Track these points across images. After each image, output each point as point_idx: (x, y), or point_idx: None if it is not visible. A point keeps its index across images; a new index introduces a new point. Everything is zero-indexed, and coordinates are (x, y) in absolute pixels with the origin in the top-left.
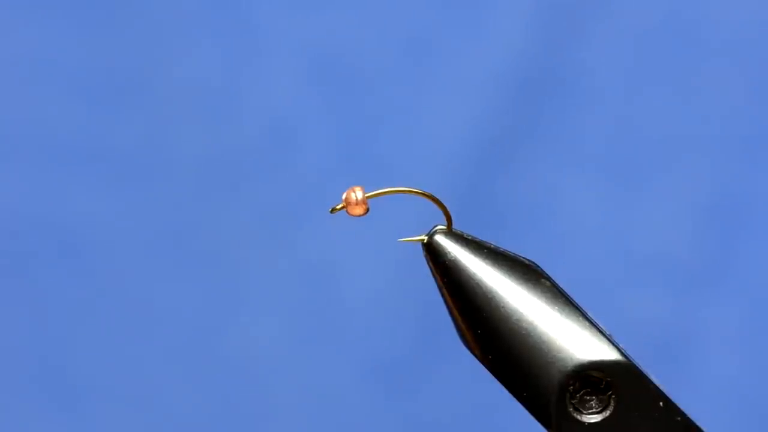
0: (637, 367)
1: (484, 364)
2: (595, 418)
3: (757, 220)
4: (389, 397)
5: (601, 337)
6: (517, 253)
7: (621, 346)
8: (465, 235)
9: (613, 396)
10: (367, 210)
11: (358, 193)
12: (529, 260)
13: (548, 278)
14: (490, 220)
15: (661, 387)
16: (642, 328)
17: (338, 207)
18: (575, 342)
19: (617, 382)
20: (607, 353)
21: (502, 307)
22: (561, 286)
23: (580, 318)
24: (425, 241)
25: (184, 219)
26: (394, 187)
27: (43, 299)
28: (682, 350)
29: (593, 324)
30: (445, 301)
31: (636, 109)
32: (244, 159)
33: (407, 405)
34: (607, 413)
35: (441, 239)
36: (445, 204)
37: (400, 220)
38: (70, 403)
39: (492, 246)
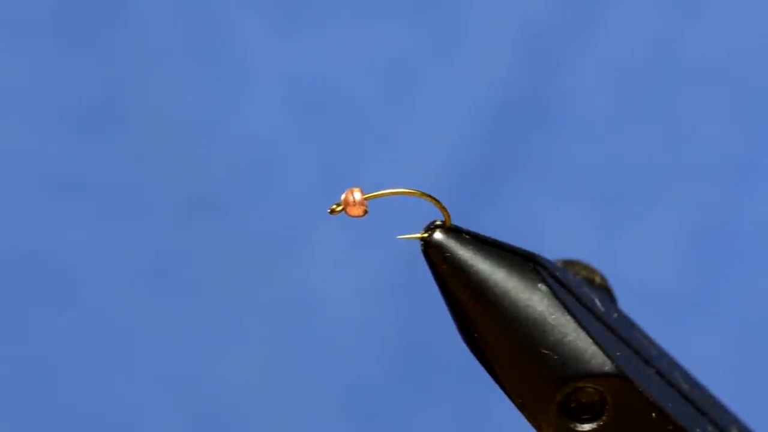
0: (629, 379)
1: (482, 365)
2: (587, 427)
3: (743, 248)
4: (370, 427)
5: (595, 349)
6: (515, 247)
7: (618, 353)
8: (463, 231)
9: (606, 406)
10: (366, 211)
11: (356, 194)
12: (528, 254)
13: (545, 280)
14: None
15: (654, 398)
16: None
17: (337, 208)
18: (569, 353)
19: (610, 393)
20: (601, 365)
21: (499, 312)
22: (559, 289)
23: (576, 328)
24: (425, 237)
25: (166, 249)
26: (392, 188)
27: (25, 330)
28: None
29: (588, 333)
30: (444, 299)
31: (620, 138)
32: (225, 189)
33: None
34: (599, 423)
35: (440, 237)
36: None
37: (383, 249)
38: None
39: (490, 240)
